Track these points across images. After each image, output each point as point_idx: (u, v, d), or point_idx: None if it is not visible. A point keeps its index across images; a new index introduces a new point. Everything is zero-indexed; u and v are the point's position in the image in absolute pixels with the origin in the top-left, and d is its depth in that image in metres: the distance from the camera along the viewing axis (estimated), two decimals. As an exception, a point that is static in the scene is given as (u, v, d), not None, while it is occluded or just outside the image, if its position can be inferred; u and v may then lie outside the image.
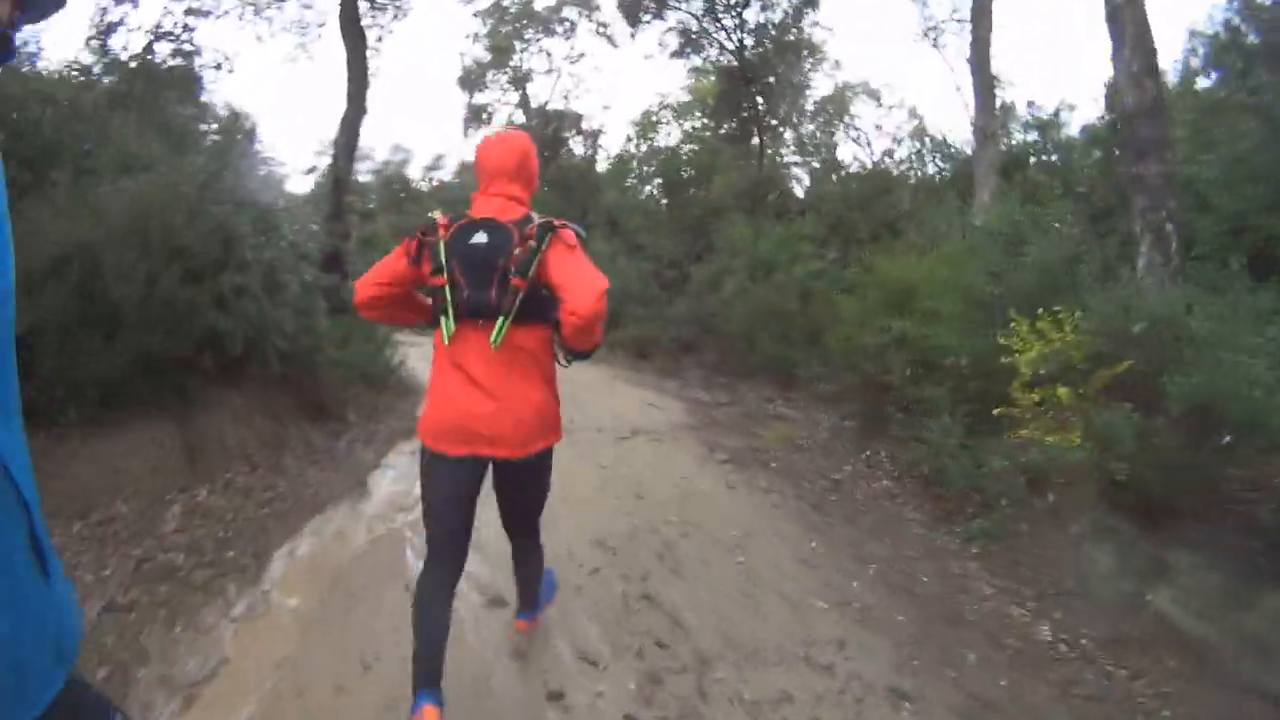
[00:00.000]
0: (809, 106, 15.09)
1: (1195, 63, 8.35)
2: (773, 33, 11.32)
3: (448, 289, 1.77)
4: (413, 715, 1.73)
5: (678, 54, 12.30)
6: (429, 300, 1.91)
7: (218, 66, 8.24)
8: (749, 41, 11.54)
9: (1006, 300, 4.06)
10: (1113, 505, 3.17)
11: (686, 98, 16.46)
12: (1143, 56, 4.49)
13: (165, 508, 4.10)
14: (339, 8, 7.88)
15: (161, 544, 3.54)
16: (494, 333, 1.76)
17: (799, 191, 12.53)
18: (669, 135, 16.04)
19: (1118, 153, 5.94)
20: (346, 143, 7.66)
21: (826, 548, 3.44)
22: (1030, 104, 9.63)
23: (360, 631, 2.61)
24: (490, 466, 1.91)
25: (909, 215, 9.31)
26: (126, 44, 6.95)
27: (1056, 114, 9.02)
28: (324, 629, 2.68)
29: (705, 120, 14.31)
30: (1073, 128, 9.06)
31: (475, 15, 17.49)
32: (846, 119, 15.37)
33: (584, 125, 19.90)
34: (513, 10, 17.27)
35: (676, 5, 12.01)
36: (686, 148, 13.85)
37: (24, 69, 5.46)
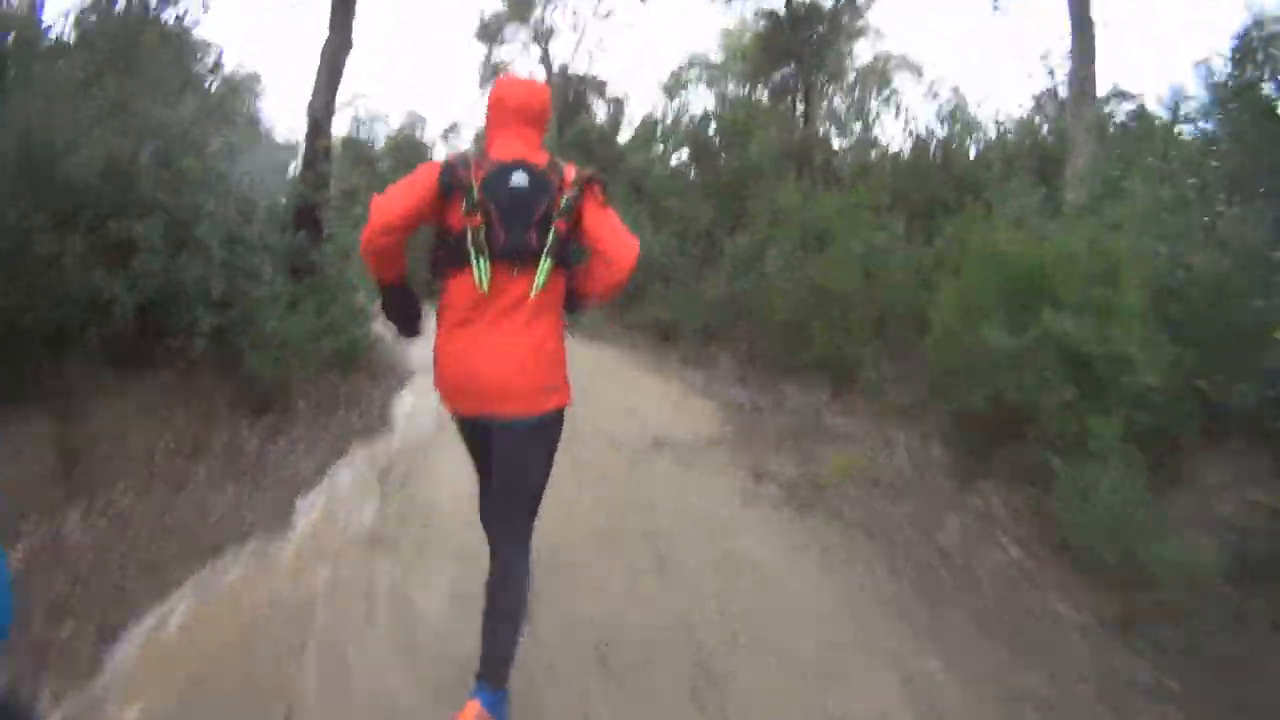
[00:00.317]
0: (850, 74, 13.70)
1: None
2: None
3: (483, 230, 1.68)
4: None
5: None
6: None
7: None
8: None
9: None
10: None
11: (717, 57, 15.06)
12: None
13: (8, 545, 2.92)
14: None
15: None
16: (539, 275, 1.71)
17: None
18: (699, 97, 14.62)
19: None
20: (327, 78, 6.36)
21: (954, 676, 2.18)
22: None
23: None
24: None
25: (971, 189, 7.91)
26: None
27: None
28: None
29: (741, 75, 12.88)
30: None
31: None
32: (888, 92, 13.89)
33: (608, 92, 18.53)
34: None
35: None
36: (717, 109, 12.41)
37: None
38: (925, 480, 3.83)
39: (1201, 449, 2.97)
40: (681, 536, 3.06)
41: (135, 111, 3.92)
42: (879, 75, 14.82)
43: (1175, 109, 5.39)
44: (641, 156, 13.15)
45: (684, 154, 12.34)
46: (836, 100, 13.49)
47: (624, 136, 16.25)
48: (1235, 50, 3.99)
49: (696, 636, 2.29)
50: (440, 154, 19.62)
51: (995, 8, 10.71)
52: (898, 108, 13.15)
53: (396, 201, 1.72)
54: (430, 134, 21.18)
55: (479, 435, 1.90)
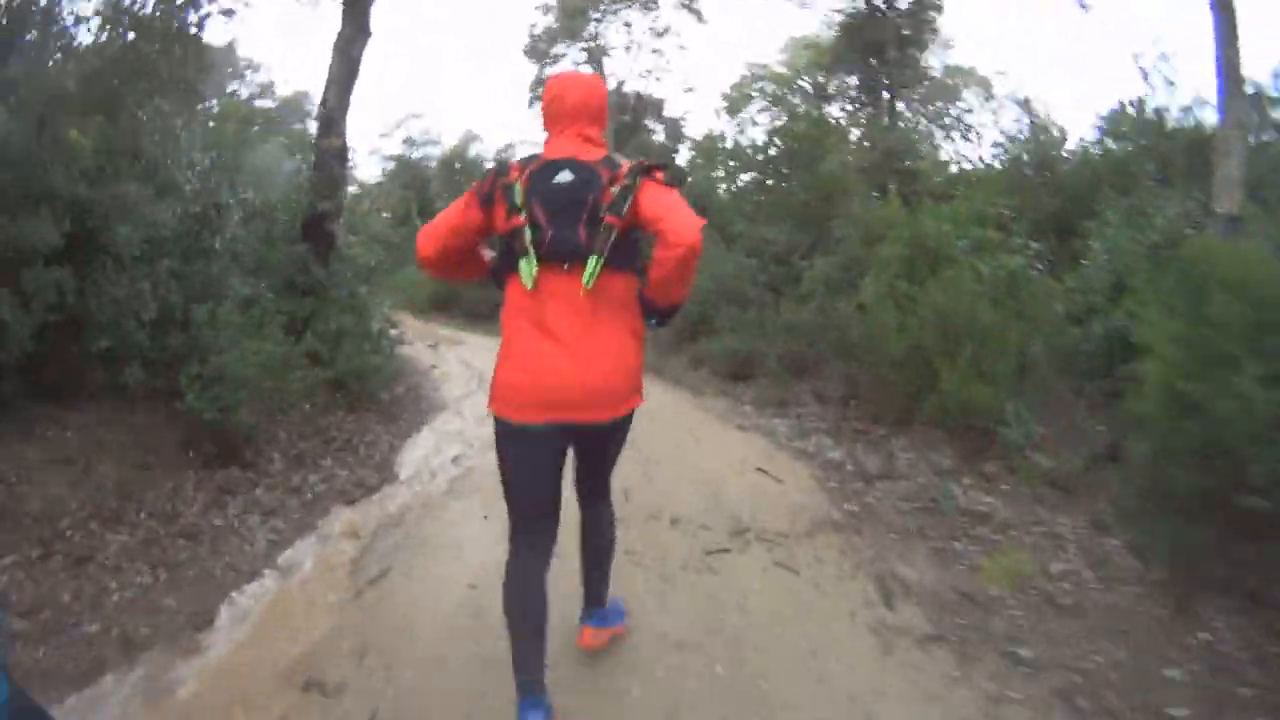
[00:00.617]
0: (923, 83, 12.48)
1: None
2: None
3: (528, 230, 1.61)
4: None
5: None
6: (488, 255, 1.83)
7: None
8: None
9: None
10: None
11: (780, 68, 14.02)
12: None
13: None
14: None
15: None
16: (586, 273, 1.59)
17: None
18: (765, 109, 13.55)
19: None
20: (341, 71, 5.50)
21: None
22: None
23: None
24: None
25: (1077, 200, 6.54)
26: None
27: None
28: None
29: (812, 83, 11.80)
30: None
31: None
32: (956, 107, 12.60)
33: (665, 112, 17.74)
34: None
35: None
36: (786, 122, 11.28)
37: None
38: (1118, 599, 2.54)
39: None
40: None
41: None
42: (949, 90, 13.58)
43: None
44: (703, 175, 12.21)
45: (750, 172, 11.30)
46: (909, 112, 12.35)
47: (682, 159, 15.41)
48: None
49: None
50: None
51: (1083, 6, 9.47)
52: (962, 123, 11.92)
53: (430, 234, 1.71)
54: (484, 150, 20.76)
55: (539, 447, 1.70)
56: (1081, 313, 4.93)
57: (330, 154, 5.26)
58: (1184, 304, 2.82)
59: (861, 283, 5.32)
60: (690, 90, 20.57)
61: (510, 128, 30.81)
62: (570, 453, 1.83)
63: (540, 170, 1.64)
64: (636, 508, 3.27)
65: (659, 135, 17.14)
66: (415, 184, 20.92)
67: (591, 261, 1.58)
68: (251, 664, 2.18)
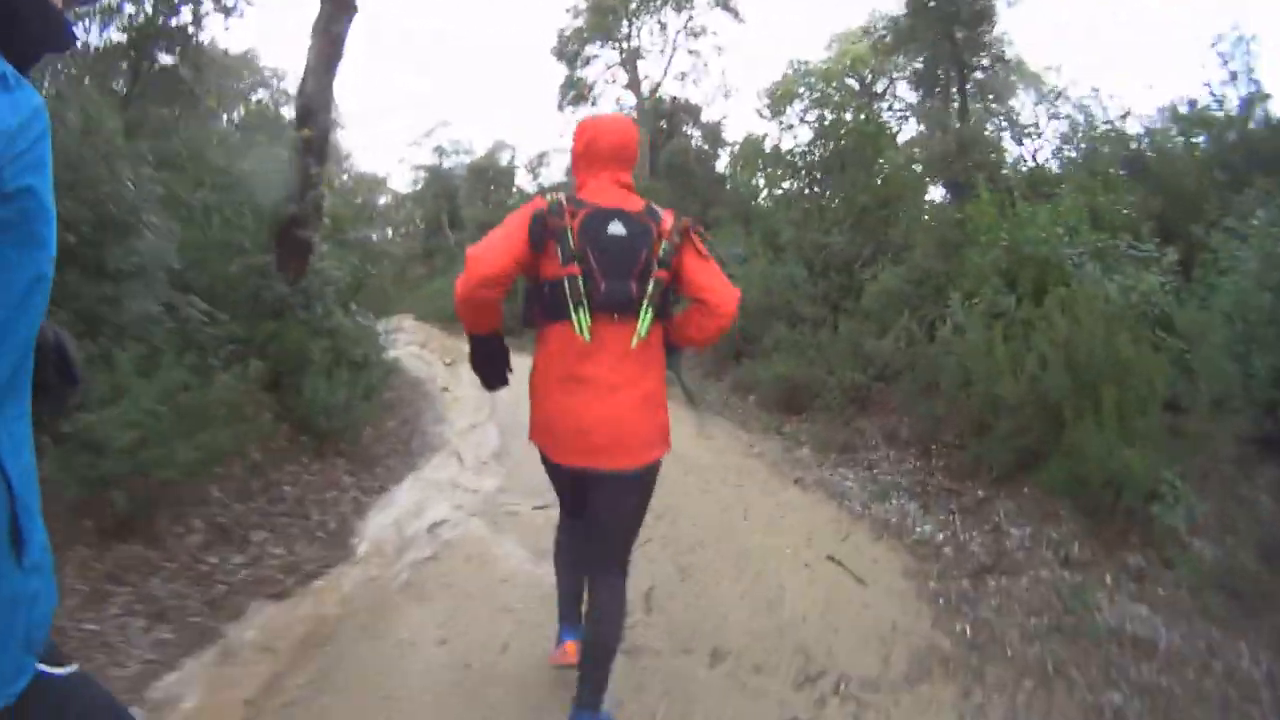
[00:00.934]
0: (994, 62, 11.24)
1: None
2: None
3: (581, 280, 1.60)
4: (558, 648, 1.95)
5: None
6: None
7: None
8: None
9: None
10: None
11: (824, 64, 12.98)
12: None
13: None
14: None
15: None
16: (641, 324, 1.64)
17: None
18: (810, 113, 12.50)
19: None
20: (322, 56, 4.66)
21: None
22: None
23: None
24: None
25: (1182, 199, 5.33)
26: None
27: None
28: None
29: (862, 78, 10.77)
30: None
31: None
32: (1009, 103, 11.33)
33: (703, 118, 16.82)
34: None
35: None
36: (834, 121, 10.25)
37: None
38: None
39: None
40: None
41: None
42: (1007, 85, 12.32)
43: None
44: (746, 177, 11.28)
45: (793, 180, 10.28)
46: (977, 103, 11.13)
47: (721, 165, 14.51)
48: None
49: None
50: (522, 181, 18.30)
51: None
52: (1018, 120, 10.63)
53: (496, 253, 1.61)
54: (516, 159, 20.11)
55: (575, 481, 1.75)
56: (1239, 344, 3.80)
57: (305, 149, 4.45)
58: None
59: (949, 300, 4.27)
60: (728, 95, 19.71)
61: (540, 134, 30.37)
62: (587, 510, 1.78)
63: (592, 218, 1.63)
64: (661, 628, 2.31)
65: (696, 140, 16.22)
66: (445, 193, 20.38)
67: (646, 315, 1.63)
68: None
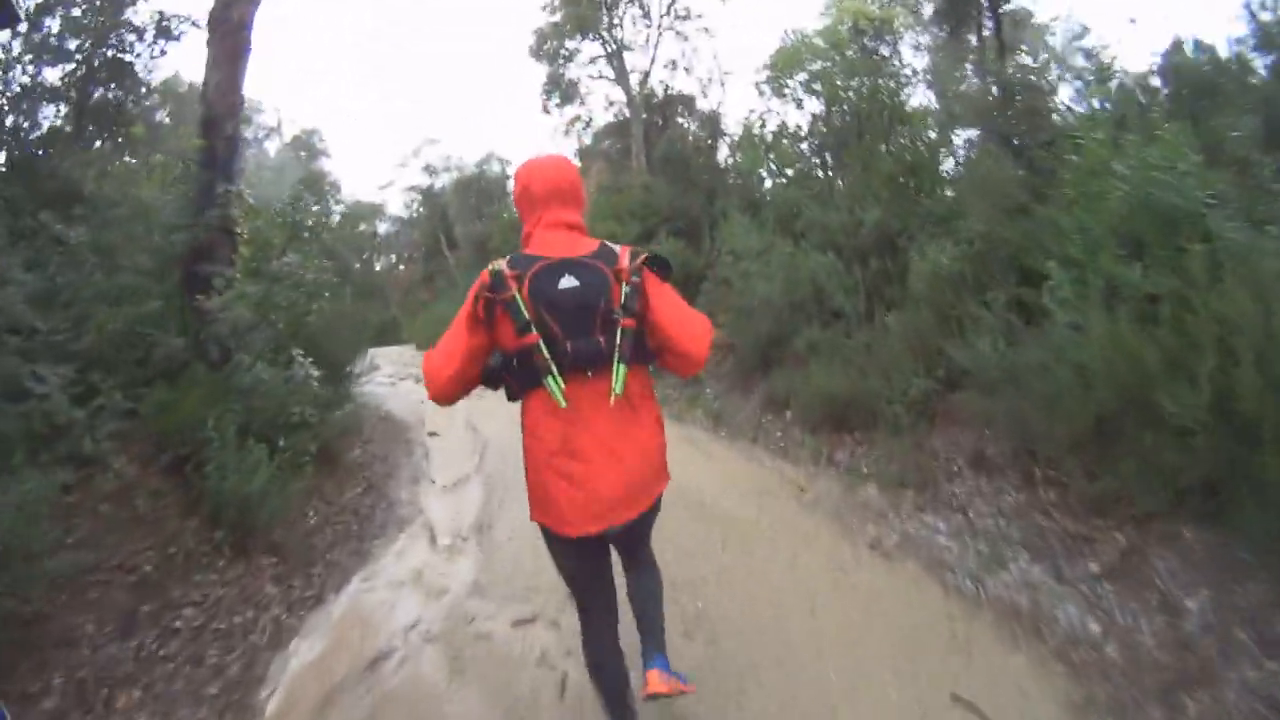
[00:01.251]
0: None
1: None
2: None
3: (543, 346, 1.51)
4: None
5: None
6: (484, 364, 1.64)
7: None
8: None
9: None
10: None
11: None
12: None
13: None
14: None
15: None
16: (615, 380, 1.55)
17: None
18: (814, 84, 11.48)
19: None
20: (224, 51, 3.78)
21: None
22: None
23: None
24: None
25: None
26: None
27: None
28: None
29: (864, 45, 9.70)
30: None
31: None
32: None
33: (698, 106, 15.81)
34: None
35: None
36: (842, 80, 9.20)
37: None
38: None
39: None
40: None
41: None
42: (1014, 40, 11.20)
43: None
44: (748, 166, 10.29)
45: (807, 156, 9.25)
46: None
47: (721, 154, 13.54)
48: None
49: None
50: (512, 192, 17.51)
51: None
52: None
53: (447, 357, 1.57)
54: (509, 170, 19.29)
55: (591, 549, 1.65)
56: None
57: (208, 162, 3.55)
58: None
59: (1048, 274, 3.24)
60: (724, 78, 18.64)
61: (533, 139, 29.50)
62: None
63: (540, 276, 1.54)
64: None
65: (691, 131, 15.21)
66: (438, 214, 19.59)
67: (619, 368, 1.55)
68: None
